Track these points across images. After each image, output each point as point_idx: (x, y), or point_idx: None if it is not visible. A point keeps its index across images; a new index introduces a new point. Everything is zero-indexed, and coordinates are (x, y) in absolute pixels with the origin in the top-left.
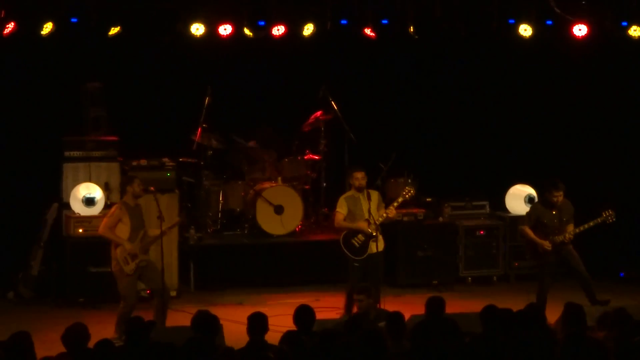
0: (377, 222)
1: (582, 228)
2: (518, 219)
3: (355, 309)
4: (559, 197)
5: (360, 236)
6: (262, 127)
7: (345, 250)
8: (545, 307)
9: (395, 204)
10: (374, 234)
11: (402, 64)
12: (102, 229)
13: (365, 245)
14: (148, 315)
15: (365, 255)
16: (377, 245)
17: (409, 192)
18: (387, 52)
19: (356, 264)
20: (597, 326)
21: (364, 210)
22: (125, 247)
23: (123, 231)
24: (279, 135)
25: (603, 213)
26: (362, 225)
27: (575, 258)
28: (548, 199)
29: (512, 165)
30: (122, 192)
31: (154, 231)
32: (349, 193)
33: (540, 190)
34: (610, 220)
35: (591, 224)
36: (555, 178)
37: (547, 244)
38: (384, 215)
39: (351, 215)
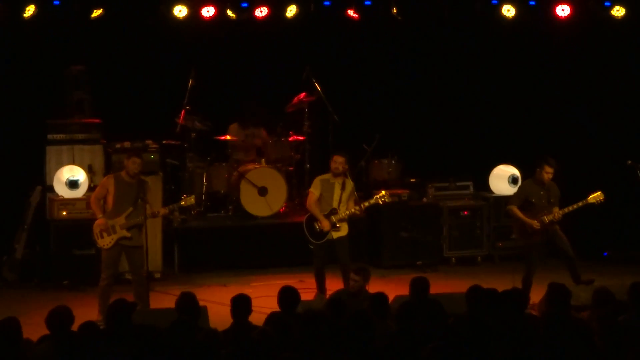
0: (342, 214)
1: (570, 208)
2: (502, 199)
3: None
4: (550, 174)
5: None
6: (251, 104)
7: (305, 232)
8: (530, 287)
9: (367, 204)
10: (337, 224)
11: (385, 46)
12: (91, 197)
13: (324, 232)
14: (131, 298)
15: (323, 240)
16: (341, 231)
17: (382, 197)
18: (370, 34)
19: (311, 246)
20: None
21: (334, 199)
22: (96, 222)
23: (108, 202)
24: (267, 112)
25: (591, 194)
26: (324, 223)
27: (562, 238)
28: (539, 177)
29: (496, 145)
30: (123, 165)
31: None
32: (325, 176)
33: (531, 167)
34: (599, 201)
35: (580, 204)
36: (547, 155)
37: (535, 224)
38: (351, 211)
39: (321, 199)
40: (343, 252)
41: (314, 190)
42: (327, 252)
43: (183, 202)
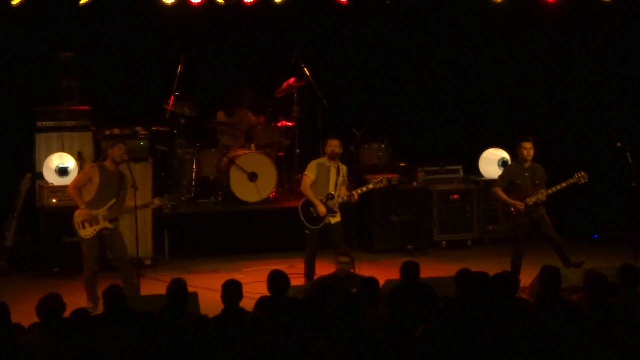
0: (339, 199)
1: (554, 189)
2: (491, 182)
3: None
4: (529, 149)
5: None
6: (243, 88)
7: (302, 217)
8: (520, 270)
9: (365, 188)
10: (336, 210)
11: (374, 30)
12: (70, 185)
13: (322, 217)
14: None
15: (319, 226)
16: (337, 217)
17: (380, 182)
18: (359, 18)
19: (307, 232)
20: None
21: (330, 183)
22: (80, 211)
23: (90, 191)
24: (259, 97)
25: (575, 174)
26: (320, 208)
27: (547, 223)
28: (520, 156)
29: (485, 129)
30: (107, 154)
31: (129, 202)
32: (321, 160)
33: (512, 149)
34: (583, 181)
35: (563, 184)
36: (522, 134)
37: (520, 204)
38: (346, 197)
39: (317, 183)
40: (339, 238)
41: (309, 174)
42: (321, 237)
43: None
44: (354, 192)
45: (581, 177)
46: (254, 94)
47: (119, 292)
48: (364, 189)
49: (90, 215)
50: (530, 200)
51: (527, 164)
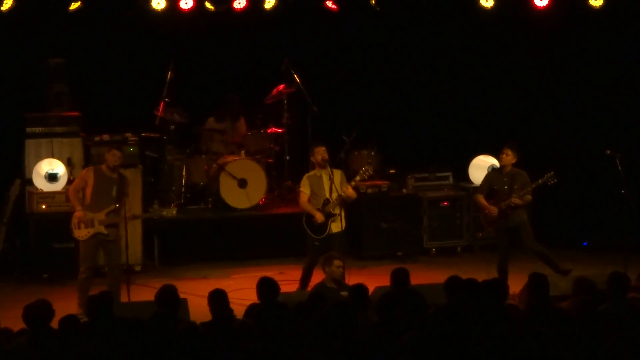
0: (335, 202)
1: (525, 191)
2: None
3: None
4: (505, 155)
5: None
6: (229, 97)
7: (307, 229)
8: (507, 275)
9: (353, 183)
10: (335, 213)
11: (364, 37)
12: (70, 188)
13: (324, 225)
14: None
15: (325, 235)
16: (339, 225)
17: (366, 171)
18: (349, 25)
19: (316, 243)
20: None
21: (325, 191)
22: (75, 214)
23: (86, 194)
24: (245, 105)
25: (545, 175)
26: (317, 215)
27: (528, 234)
28: (500, 163)
29: (475, 136)
30: (104, 159)
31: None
32: (311, 172)
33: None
34: (552, 182)
35: (533, 185)
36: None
37: (493, 209)
38: (341, 195)
39: (313, 195)
40: (338, 247)
41: (304, 190)
42: (325, 248)
43: (165, 213)
44: (345, 189)
45: (550, 177)
46: (240, 103)
47: (105, 299)
48: (353, 183)
49: (86, 217)
50: (504, 204)
51: (506, 170)
